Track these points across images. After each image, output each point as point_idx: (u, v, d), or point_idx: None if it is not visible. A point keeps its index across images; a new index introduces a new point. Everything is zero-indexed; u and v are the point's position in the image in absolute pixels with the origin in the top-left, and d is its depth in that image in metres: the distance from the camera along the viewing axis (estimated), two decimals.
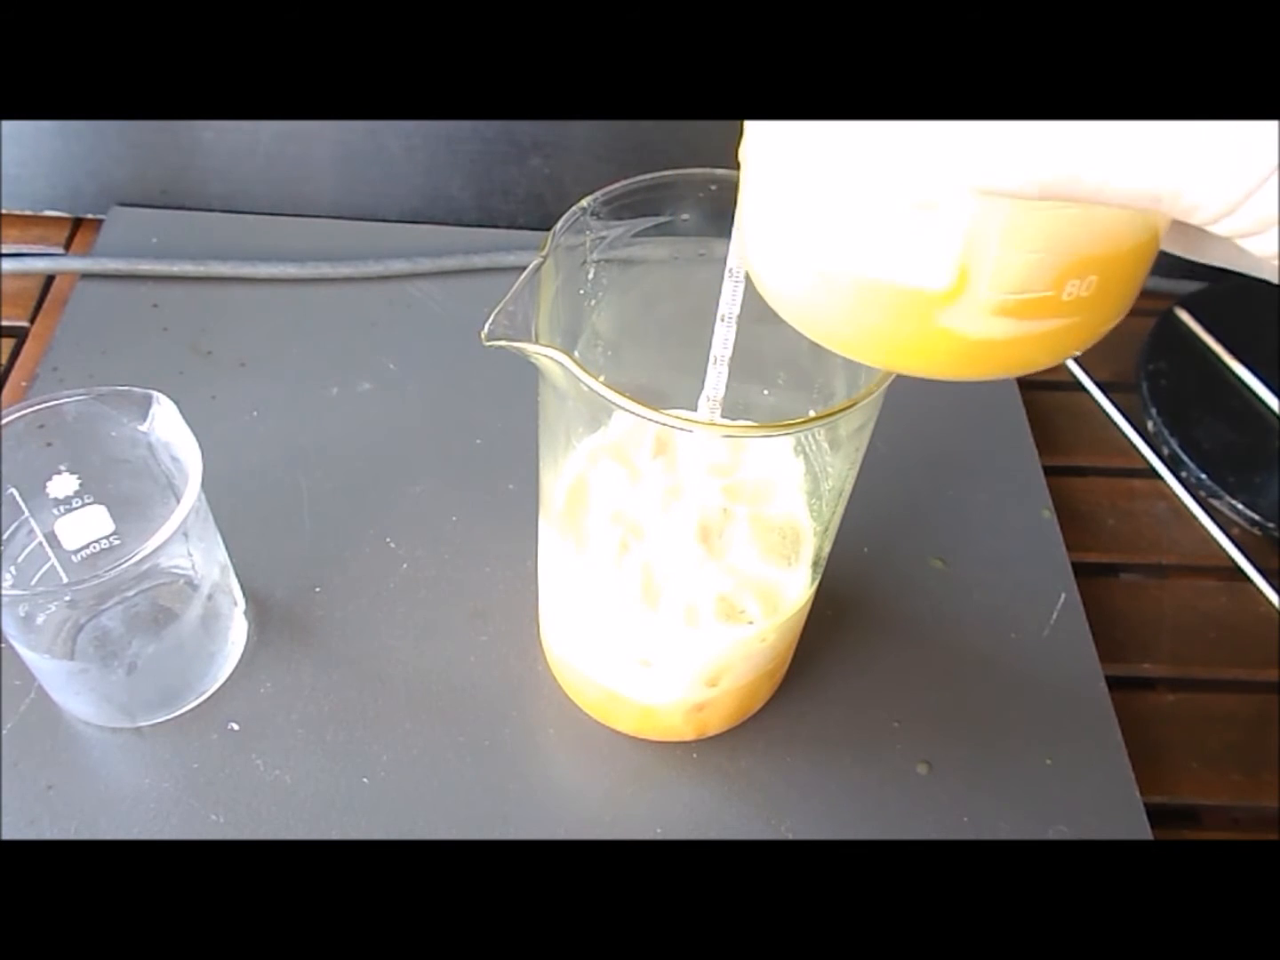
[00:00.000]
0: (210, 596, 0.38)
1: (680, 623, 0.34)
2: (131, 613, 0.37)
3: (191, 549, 0.36)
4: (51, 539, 0.38)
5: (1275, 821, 0.41)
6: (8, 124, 0.54)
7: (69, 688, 0.38)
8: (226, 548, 0.39)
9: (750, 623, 0.34)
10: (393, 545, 0.44)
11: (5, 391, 0.50)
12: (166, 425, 0.36)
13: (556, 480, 0.35)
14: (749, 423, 0.35)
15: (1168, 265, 0.59)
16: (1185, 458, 0.50)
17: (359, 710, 0.40)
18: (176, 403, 0.36)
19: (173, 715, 0.39)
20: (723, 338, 0.30)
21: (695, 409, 0.31)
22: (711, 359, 0.30)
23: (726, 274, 0.28)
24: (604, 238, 0.31)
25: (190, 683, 0.39)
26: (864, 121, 0.19)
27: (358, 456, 0.47)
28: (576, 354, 0.31)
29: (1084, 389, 0.54)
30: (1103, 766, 0.40)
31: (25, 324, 0.53)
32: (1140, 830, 0.39)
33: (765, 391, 0.36)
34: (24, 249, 0.56)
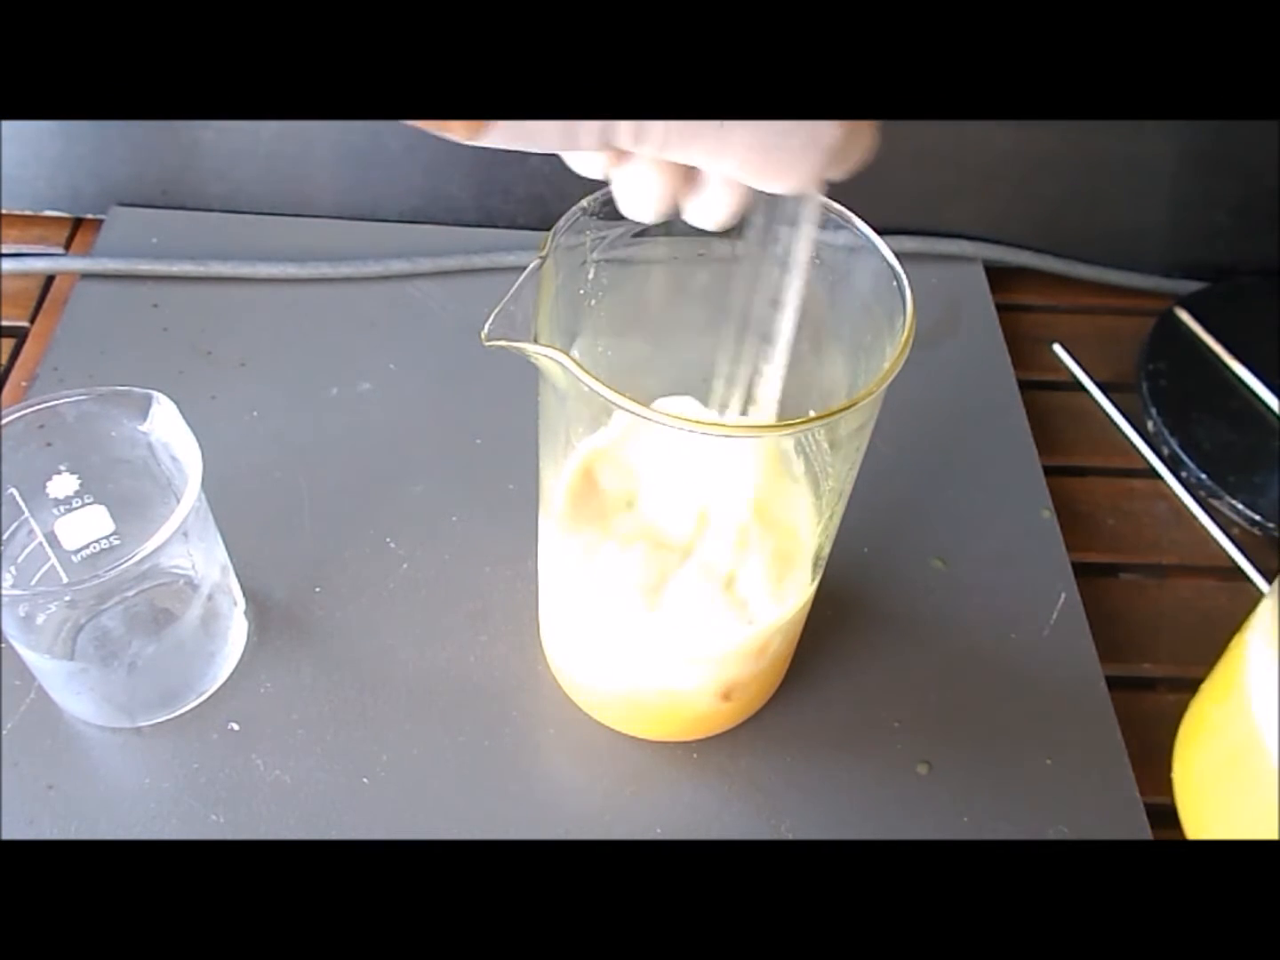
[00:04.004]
0: (210, 596, 0.38)
1: (680, 623, 0.34)
2: (131, 613, 0.37)
3: (191, 549, 0.36)
4: (51, 539, 0.38)
5: None
6: (8, 124, 0.54)
7: (69, 688, 0.38)
8: (226, 548, 0.39)
9: (751, 622, 0.34)
10: (393, 545, 0.44)
11: (5, 391, 0.50)
12: (166, 425, 0.36)
13: (556, 480, 0.35)
14: (749, 422, 0.35)
15: (1168, 265, 0.60)
16: (1185, 458, 0.50)
17: (359, 710, 0.40)
18: (176, 403, 0.36)
19: (173, 715, 0.39)
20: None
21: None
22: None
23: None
24: (604, 238, 0.31)
25: (190, 683, 0.39)
26: None
27: (358, 456, 0.47)
28: (576, 354, 0.31)
29: (1084, 389, 0.54)
30: (1103, 766, 0.40)
31: (25, 324, 0.53)
32: (1140, 830, 0.39)
33: None
34: (24, 249, 0.56)
